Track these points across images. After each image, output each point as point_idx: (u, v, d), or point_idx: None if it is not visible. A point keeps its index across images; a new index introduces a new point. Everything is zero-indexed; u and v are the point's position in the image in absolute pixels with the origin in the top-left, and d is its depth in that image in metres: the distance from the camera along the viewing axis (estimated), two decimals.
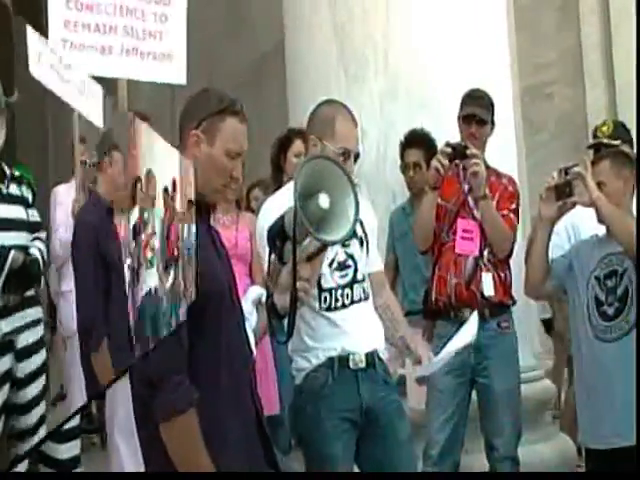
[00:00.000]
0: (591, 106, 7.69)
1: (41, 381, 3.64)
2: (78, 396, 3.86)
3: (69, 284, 3.78)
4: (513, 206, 3.55)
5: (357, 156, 2.73)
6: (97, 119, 3.65)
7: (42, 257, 3.60)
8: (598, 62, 7.91)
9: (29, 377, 3.56)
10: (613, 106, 7.79)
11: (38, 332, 3.62)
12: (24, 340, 3.53)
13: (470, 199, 3.53)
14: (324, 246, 2.31)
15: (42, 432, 3.60)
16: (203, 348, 1.99)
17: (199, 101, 2.12)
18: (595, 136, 3.58)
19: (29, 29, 3.22)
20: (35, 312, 3.61)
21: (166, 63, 3.29)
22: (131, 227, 1.70)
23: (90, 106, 3.57)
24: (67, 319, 3.98)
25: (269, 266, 2.40)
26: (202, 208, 2.07)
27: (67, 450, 3.67)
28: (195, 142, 2.06)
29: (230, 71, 6.52)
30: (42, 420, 3.61)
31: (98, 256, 2.78)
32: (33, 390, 3.58)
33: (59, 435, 3.72)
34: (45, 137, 9.44)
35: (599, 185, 3.07)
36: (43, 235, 3.75)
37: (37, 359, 3.60)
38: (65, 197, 4.15)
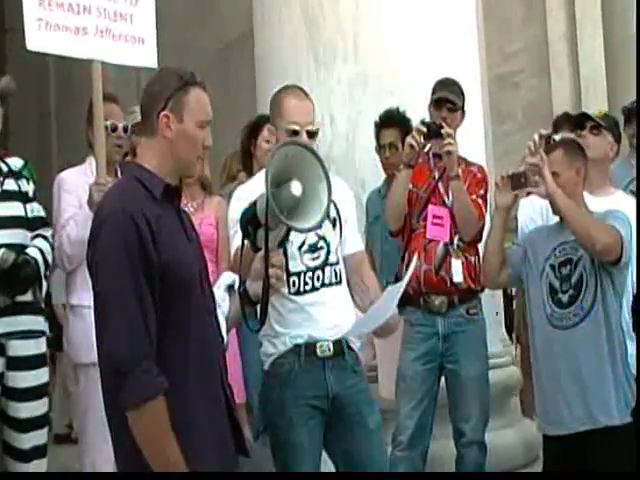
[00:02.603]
0: (556, 96, 7.77)
1: (41, 403, 3.29)
2: (96, 444, 3.13)
3: (82, 297, 3.15)
4: (482, 192, 3.57)
5: (315, 132, 2.72)
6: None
7: (44, 258, 3.25)
8: (563, 53, 8.00)
9: (23, 392, 3.24)
10: (578, 96, 7.88)
11: (35, 346, 3.27)
12: (17, 349, 3.22)
13: (441, 186, 3.54)
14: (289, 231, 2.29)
15: (40, 464, 3.28)
16: (172, 335, 1.97)
17: (159, 82, 2.09)
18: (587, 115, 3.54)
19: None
20: (31, 321, 3.28)
21: (138, 46, 3.23)
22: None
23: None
24: (79, 343, 3.26)
25: (240, 253, 2.39)
26: (170, 193, 2.07)
27: (30, 439, 3.24)
28: (165, 123, 2.04)
29: (198, 58, 6.47)
30: (41, 451, 3.30)
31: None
32: (28, 410, 3.24)
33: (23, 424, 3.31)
34: (47, 121, 9.02)
35: (552, 175, 3.07)
36: (49, 232, 3.35)
37: (34, 375, 3.26)
38: (74, 183, 3.40)
